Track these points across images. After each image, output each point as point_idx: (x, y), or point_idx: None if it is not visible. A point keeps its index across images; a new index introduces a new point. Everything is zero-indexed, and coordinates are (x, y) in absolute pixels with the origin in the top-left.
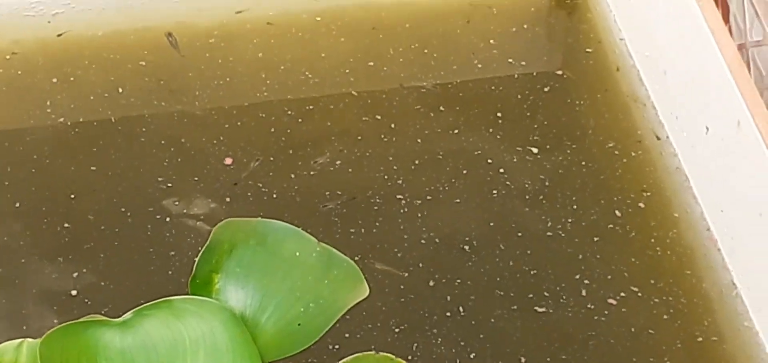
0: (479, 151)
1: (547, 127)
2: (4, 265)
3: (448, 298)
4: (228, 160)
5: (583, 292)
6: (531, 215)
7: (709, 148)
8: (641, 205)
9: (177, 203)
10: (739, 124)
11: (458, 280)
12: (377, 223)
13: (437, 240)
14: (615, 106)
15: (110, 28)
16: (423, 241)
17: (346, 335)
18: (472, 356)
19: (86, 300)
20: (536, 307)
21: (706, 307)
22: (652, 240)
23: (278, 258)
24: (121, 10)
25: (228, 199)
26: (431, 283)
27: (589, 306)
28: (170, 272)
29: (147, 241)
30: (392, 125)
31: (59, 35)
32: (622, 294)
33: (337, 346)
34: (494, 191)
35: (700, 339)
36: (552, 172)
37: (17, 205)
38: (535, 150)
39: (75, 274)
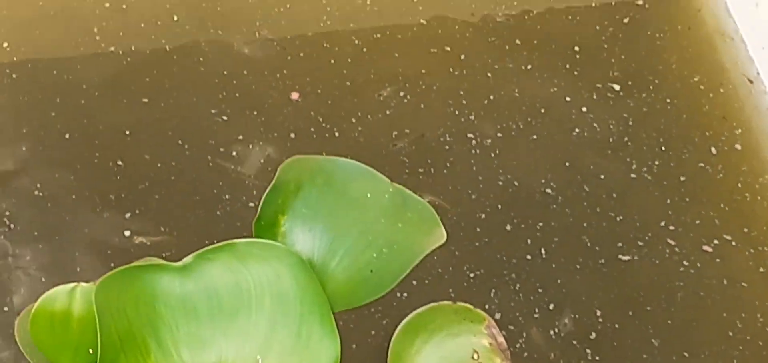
0: (556, 88)
1: (627, 63)
2: (53, 205)
3: (528, 241)
4: (294, 95)
5: (671, 241)
6: (614, 157)
7: None
8: (731, 146)
9: (239, 139)
10: None
11: (539, 224)
12: (448, 164)
13: (515, 182)
14: (700, 41)
15: None
16: (500, 183)
17: (415, 283)
18: (551, 307)
19: (142, 241)
20: (621, 256)
21: None
22: (742, 185)
23: (348, 199)
24: None
25: (292, 136)
26: (508, 228)
27: (676, 254)
28: (233, 214)
29: (206, 181)
30: (462, 57)
31: None
32: (715, 242)
33: (405, 295)
34: (574, 131)
35: None
36: (635, 110)
37: (67, 136)
38: (616, 87)
39: (128, 215)
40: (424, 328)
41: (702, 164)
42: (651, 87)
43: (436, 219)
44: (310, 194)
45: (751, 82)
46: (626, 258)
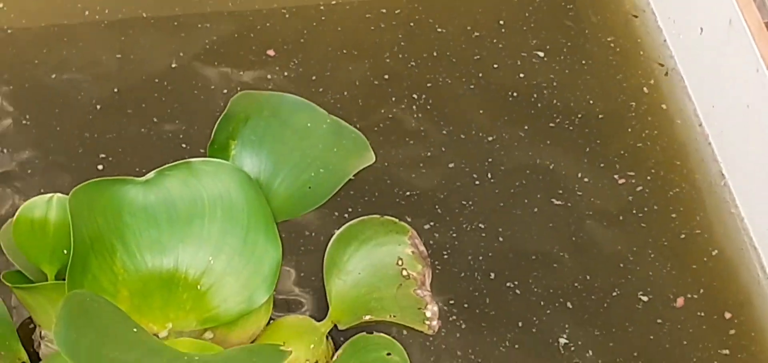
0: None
1: (547, 33)
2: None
3: None
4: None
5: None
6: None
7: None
8: (638, 99)
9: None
10: (730, 23)
11: None
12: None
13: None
14: (617, 13)
15: None
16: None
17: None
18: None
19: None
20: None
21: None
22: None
23: (290, 128)
24: None
25: None
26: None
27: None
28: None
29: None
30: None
31: None
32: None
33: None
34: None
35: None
36: (552, 72)
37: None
38: (541, 53)
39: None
40: (355, 237)
41: (602, 115)
42: (566, 50)
43: (367, 144)
44: (257, 124)
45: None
46: None
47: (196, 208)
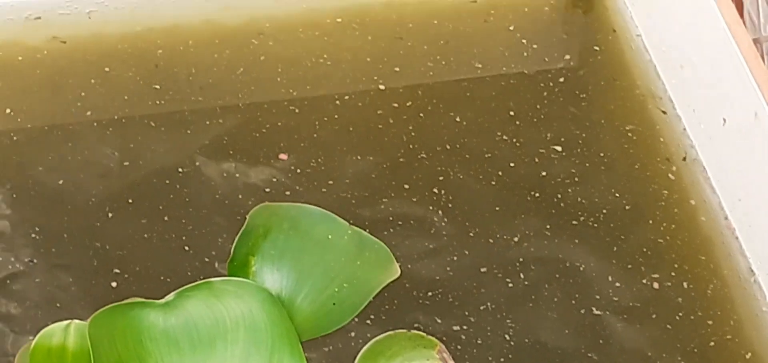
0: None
1: (562, 124)
2: None
3: None
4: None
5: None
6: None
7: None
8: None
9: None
10: (756, 116)
11: None
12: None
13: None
14: (631, 100)
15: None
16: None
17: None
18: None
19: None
20: None
21: None
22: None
23: (311, 241)
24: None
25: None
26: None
27: None
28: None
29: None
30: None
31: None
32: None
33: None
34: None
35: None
36: (572, 167)
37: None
38: (558, 148)
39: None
40: (381, 354)
41: (627, 206)
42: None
43: (391, 257)
44: (277, 237)
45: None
46: None
47: (218, 330)
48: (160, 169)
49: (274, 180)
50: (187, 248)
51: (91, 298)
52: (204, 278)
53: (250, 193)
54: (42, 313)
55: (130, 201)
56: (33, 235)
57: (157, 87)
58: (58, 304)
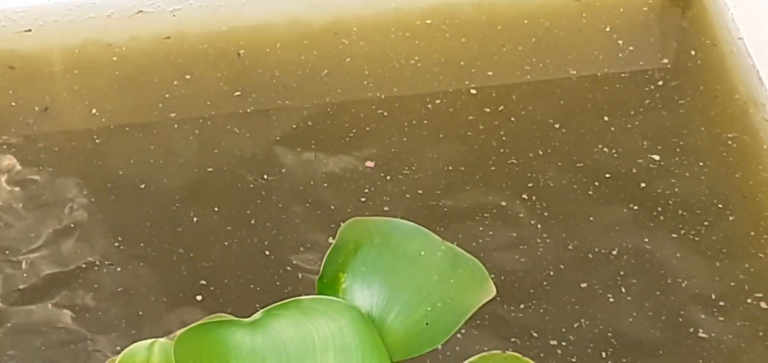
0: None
1: (659, 131)
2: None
3: None
4: (369, 164)
5: None
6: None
7: None
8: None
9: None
10: None
11: None
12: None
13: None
14: (731, 106)
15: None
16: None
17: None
18: None
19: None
20: None
21: None
22: None
23: (403, 257)
24: None
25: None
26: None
27: None
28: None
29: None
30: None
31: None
32: None
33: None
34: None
35: None
36: (672, 177)
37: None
38: (656, 157)
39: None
40: None
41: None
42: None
43: (486, 275)
44: (368, 253)
45: None
46: None
47: (307, 351)
48: (245, 173)
49: (363, 186)
50: (271, 255)
51: (174, 308)
52: (290, 287)
53: (338, 198)
54: (126, 322)
55: (216, 209)
56: (115, 242)
57: (241, 88)
58: (140, 313)
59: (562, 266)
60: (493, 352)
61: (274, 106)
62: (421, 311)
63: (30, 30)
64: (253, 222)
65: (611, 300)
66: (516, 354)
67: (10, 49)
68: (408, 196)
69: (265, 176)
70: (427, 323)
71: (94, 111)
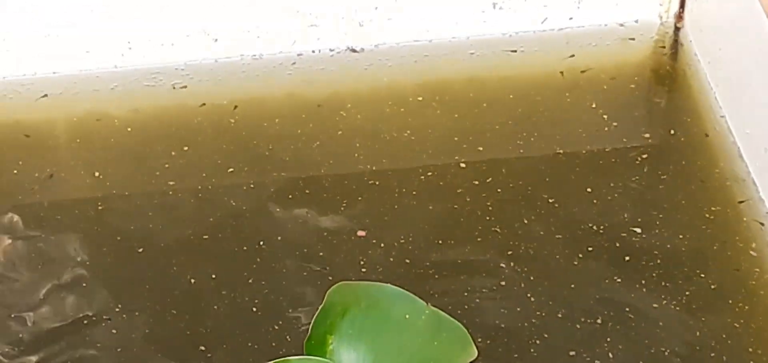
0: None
1: (639, 202)
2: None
3: None
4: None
5: None
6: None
7: None
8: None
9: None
10: None
11: None
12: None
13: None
14: (711, 180)
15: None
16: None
17: None
18: None
19: None
20: None
21: None
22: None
23: (389, 320)
24: None
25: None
26: None
27: None
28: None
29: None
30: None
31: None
32: None
33: None
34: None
35: None
36: (653, 248)
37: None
38: (638, 230)
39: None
40: None
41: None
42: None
43: (468, 338)
44: (355, 316)
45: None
46: None
47: None
48: (240, 238)
49: (354, 252)
50: (265, 314)
51: None
52: (284, 352)
53: (330, 262)
54: None
55: (214, 276)
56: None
57: (236, 159)
58: None
59: (546, 335)
60: None
61: (270, 178)
62: None
63: (42, 97)
64: (248, 282)
65: None
66: None
67: (17, 119)
68: (397, 260)
69: (260, 242)
70: None
71: (96, 174)
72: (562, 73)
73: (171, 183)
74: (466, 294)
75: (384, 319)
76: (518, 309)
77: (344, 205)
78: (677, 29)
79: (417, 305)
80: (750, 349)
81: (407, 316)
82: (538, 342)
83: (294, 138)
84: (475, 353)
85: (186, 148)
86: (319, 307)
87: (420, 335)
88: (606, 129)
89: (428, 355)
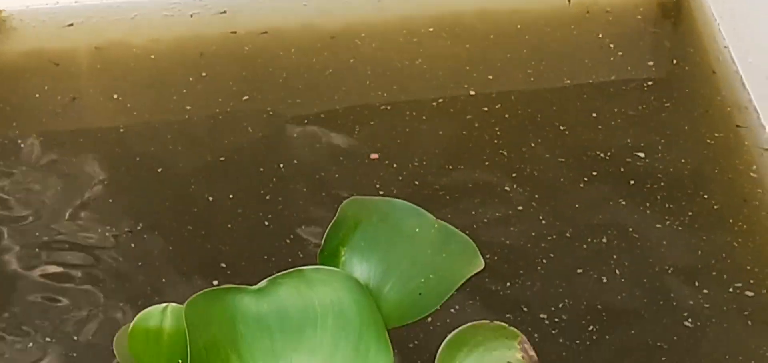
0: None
1: (645, 131)
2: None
3: None
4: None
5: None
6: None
7: None
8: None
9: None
10: None
11: None
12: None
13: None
14: (714, 108)
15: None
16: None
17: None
18: None
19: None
20: None
21: None
22: None
23: (399, 233)
24: None
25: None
26: None
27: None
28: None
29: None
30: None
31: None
32: None
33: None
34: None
35: None
36: (657, 171)
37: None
38: (642, 154)
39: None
40: (465, 343)
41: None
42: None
43: (475, 250)
44: (367, 229)
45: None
46: None
47: (308, 317)
48: (257, 164)
49: (367, 174)
50: (278, 229)
51: (191, 278)
52: (298, 264)
53: (342, 186)
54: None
55: (231, 195)
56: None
57: (251, 88)
58: (163, 280)
59: (552, 255)
60: (482, 322)
61: (285, 104)
62: (415, 282)
63: (68, 25)
64: (266, 200)
65: (604, 280)
66: (502, 324)
67: (42, 47)
68: (407, 180)
69: (277, 164)
70: (420, 293)
71: (115, 96)
72: (569, 1)
73: (188, 108)
74: (474, 214)
75: (394, 231)
76: (525, 229)
77: (358, 129)
78: None
79: (426, 219)
80: (748, 267)
81: (417, 230)
82: (544, 261)
83: (308, 67)
84: (482, 264)
85: (204, 74)
86: (332, 221)
87: (429, 247)
88: (612, 59)
89: (437, 266)
